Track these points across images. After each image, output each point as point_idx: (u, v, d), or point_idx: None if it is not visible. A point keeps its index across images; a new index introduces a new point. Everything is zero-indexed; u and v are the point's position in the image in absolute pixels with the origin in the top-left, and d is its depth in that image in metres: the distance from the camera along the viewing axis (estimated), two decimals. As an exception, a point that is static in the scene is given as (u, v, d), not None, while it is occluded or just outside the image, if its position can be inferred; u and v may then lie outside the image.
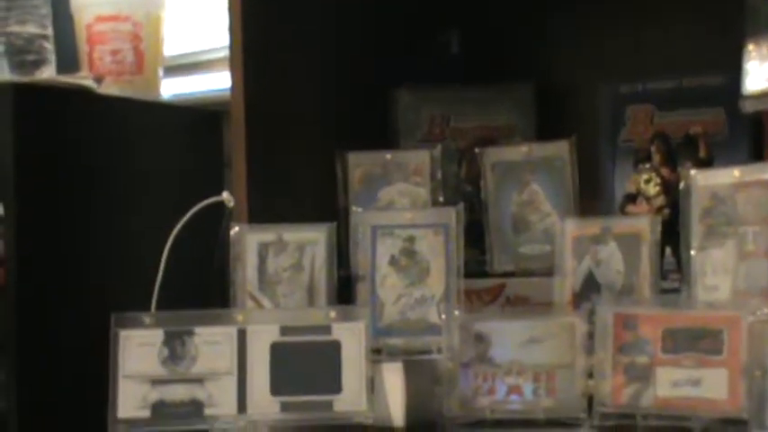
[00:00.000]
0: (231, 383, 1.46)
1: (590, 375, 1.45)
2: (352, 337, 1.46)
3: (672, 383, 1.39)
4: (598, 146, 1.94)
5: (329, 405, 1.45)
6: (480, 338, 1.49)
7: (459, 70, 2.10)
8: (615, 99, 1.94)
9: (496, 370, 1.48)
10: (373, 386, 1.45)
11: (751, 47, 1.64)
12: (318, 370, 1.46)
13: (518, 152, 1.80)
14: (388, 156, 1.80)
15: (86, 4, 2.25)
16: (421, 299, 1.60)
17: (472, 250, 1.75)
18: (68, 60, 2.24)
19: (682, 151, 1.67)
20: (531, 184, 1.77)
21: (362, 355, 1.46)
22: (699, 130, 1.74)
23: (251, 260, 1.65)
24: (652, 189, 1.65)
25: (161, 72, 2.29)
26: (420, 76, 2.04)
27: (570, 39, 2.04)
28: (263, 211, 1.73)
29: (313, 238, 1.65)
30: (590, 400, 1.44)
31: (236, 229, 1.66)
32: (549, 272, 1.63)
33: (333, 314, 1.48)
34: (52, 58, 2.16)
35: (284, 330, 1.48)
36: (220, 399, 1.46)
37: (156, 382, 1.46)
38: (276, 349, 1.47)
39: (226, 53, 1.79)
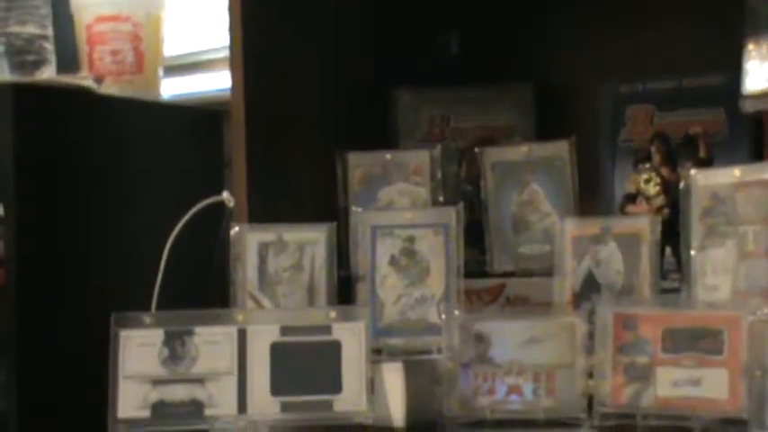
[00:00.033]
0: (231, 383, 1.46)
1: (590, 375, 1.45)
2: (352, 337, 1.46)
3: (672, 383, 1.39)
4: (598, 146, 1.94)
5: (329, 405, 1.45)
6: (480, 338, 1.49)
7: (458, 71, 2.10)
8: (615, 99, 1.94)
9: (496, 370, 1.48)
10: (373, 386, 1.45)
11: (751, 47, 1.64)
12: (318, 370, 1.46)
13: (518, 152, 1.80)
14: (388, 156, 1.80)
15: (86, 5, 2.25)
16: (421, 299, 1.60)
17: (472, 250, 1.75)
18: (68, 61, 2.24)
19: (682, 151, 1.67)
20: (531, 184, 1.77)
21: (362, 355, 1.46)
22: (699, 130, 1.74)
23: (251, 260, 1.65)
24: (652, 189, 1.65)
25: (161, 72, 2.29)
26: (420, 77, 2.04)
27: (570, 40, 2.04)
28: (264, 211, 1.73)
29: (313, 238, 1.65)
30: (590, 400, 1.44)
31: (237, 228, 1.66)
32: (548, 272, 1.63)
33: (333, 314, 1.48)
34: (52, 58, 2.16)
35: (284, 330, 1.48)
36: (220, 399, 1.46)
37: (157, 382, 1.46)
38: (276, 349, 1.47)
39: (226, 53, 1.79)
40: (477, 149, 1.83)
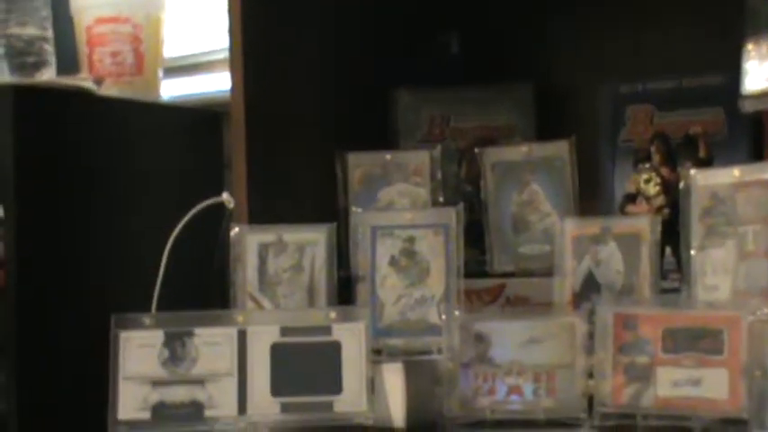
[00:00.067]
0: (231, 384, 1.46)
1: (590, 375, 1.45)
2: (352, 338, 1.46)
3: (672, 383, 1.39)
4: (598, 146, 1.94)
5: (329, 406, 1.45)
6: (480, 338, 1.49)
7: (458, 71, 2.10)
8: (615, 99, 1.94)
9: (496, 370, 1.48)
10: (373, 387, 1.45)
11: (750, 47, 1.64)
12: (319, 371, 1.46)
13: (518, 152, 1.80)
14: (388, 156, 1.80)
15: (86, 6, 2.25)
16: (421, 299, 1.60)
17: (472, 250, 1.75)
18: (68, 62, 2.24)
19: (681, 151, 1.67)
20: (530, 184, 1.77)
21: (363, 356, 1.46)
22: (699, 130, 1.74)
23: (251, 261, 1.65)
24: (652, 189, 1.65)
25: (161, 73, 2.29)
26: (420, 77, 2.04)
27: (570, 40, 2.04)
28: (263, 212, 1.74)
29: (313, 239, 1.65)
30: (590, 400, 1.44)
31: (237, 229, 1.66)
32: (548, 272, 1.63)
33: (333, 315, 1.48)
34: (52, 59, 2.15)
35: (284, 331, 1.48)
36: (221, 400, 1.46)
37: (157, 383, 1.46)
38: (276, 350, 1.47)
39: (226, 54, 1.79)
40: (477, 149, 1.83)
